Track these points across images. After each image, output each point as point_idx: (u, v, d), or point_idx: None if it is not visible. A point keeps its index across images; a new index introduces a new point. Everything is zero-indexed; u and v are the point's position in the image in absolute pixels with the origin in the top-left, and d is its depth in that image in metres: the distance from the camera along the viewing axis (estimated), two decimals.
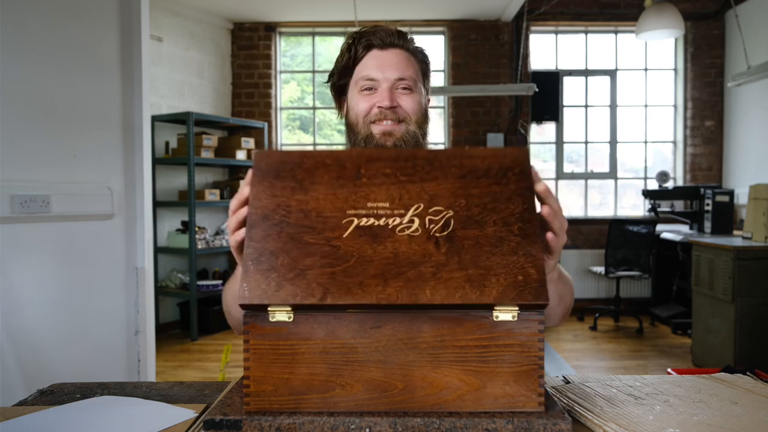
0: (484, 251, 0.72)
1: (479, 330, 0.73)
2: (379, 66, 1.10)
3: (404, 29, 1.17)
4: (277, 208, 0.75)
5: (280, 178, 0.76)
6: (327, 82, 1.20)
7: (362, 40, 1.12)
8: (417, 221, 0.74)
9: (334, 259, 0.72)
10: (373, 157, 0.77)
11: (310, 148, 5.85)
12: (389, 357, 0.73)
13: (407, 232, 0.73)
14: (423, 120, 1.14)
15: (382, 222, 0.73)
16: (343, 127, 6.75)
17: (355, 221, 0.74)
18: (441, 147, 5.74)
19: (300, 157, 0.77)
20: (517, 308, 0.72)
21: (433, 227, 0.73)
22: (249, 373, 0.74)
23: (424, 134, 1.15)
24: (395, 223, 0.74)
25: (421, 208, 0.74)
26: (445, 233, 0.73)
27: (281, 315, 0.73)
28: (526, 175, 0.76)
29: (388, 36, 1.11)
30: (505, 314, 0.73)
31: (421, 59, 1.16)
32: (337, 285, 0.71)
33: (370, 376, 0.73)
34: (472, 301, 0.71)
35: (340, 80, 1.16)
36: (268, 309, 0.73)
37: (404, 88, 1.11)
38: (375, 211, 0.74)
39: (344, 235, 0.73)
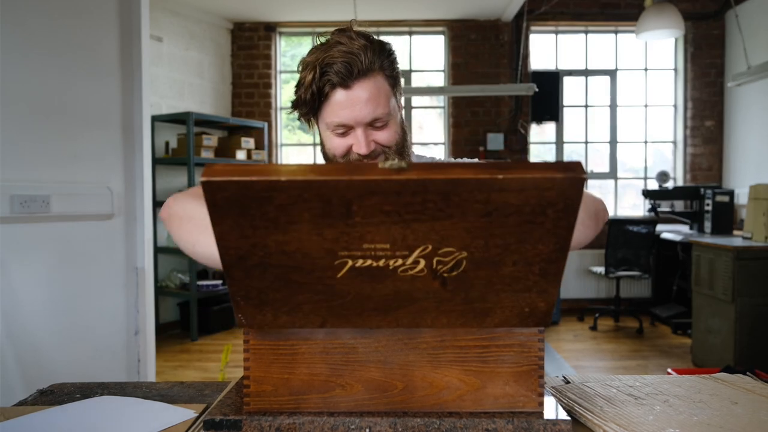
0: (494, 289, 0.66)
1: (479, 330, 0.73)
2: (348, 110, 1.01)
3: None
4: (253, 248, 0.62)
5: (247, 216, 0.60)
6: (292, 111, 1.10)
7: (323, 78, 1.00)
8: (423, 262, 0.63)
9: (330, 296, 0.66)
10: (368, 191, 0.58)
11: (310, 148, 5.85)
12: (389, 357, 0.73)
13: (411, 272, 0.64)
14: (402, 142, 1.09)
15: (381, 263, 0.63)
16: None
17: (350, 262, 0.63)
18: (441, 147, 5.76)
19: (267, 190, 0.58)
20: None
21: (442, 268, 0.64)
22: (249, 373, 0.74)
23: (406, 153, 1.10)
24: (397, 264, 0.63)
25: (428, 250, 0.62)
26: (455, 273, 0.64)
27: None
28: (570, 210, 0.59)
29: (349, 69, 0.99)
30: None
31: (389, 73, 1.05)
32: (335, 316, 0.69)
33: (370, 376, 0.73)
34: (472, 326, 0.71)
35: (307, 114, 1.07)
36: None
37: (379, 126, 1.05)
38: (372, 253, 0.62)
39: (338, 275, 0.64)
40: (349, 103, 1.01)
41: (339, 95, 1.01)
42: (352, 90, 1.01)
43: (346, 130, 1.04)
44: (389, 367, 0.73)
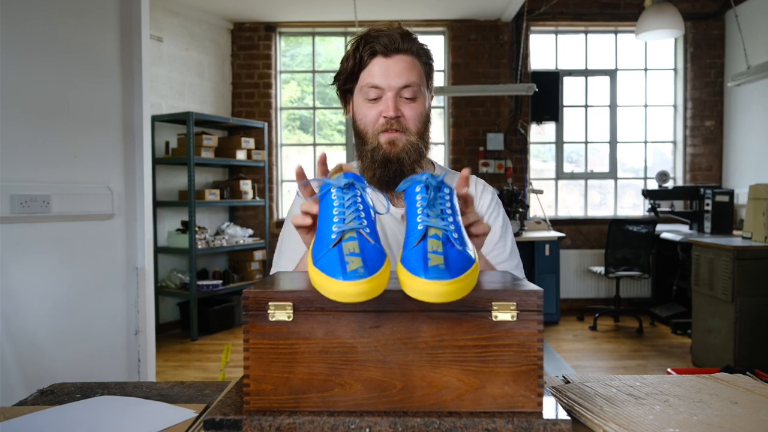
0: None
1: (478, 330, 0.73)
2: (383, 74, 1.12)
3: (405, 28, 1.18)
4: None
5: None
6: (333, 83, 1.23)
7: (367, 46, 1.13)
8: None
9: None
10: None
11: (310, 148, 5.85)
12: (388, 357, 0.73)
13: None
14: (424, 128, 1.19)
15: None
16: (343, 128, 6.65)
17: None
18: (441, 147, 5.75)
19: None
20: (516, 308, 0.72)
21: None
22: (249, 372, 0.74)
23: (426, 143, 1.20)
24: None
25: None
26: None
27: (281, 314, 0.73)
28: None
29: (392, 42, 1.12)
30: (504, 314, 0.73)
31: (425, 61, 1.17)
32: None
33: (370, 375, 0.73)
34: None
35: (345, 84, 1.19)
36: (268, 308, 0.73)
37: (408, 98, 1.14)
38: None
39: None
40: (386, 69, 1.13)
41: (378, 61, 1.13)
42: (390, 59, 1.13)
43: (378, 95, 1.14)
44: (388, 366, 0.73)
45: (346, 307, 0.73)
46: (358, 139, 1.19)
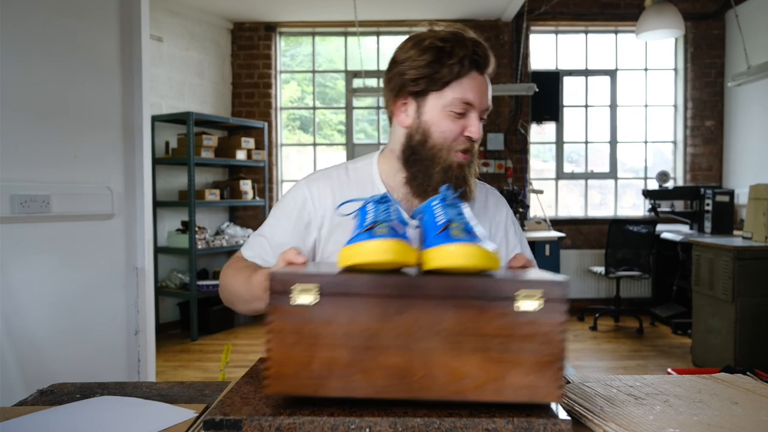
0: None
1: (502, 318, 0.72)
2: (478, 90, 1.06)
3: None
4: None
5: None
6: (398, 75, 1.08)
7: (471, 56, 1.04)
8: None
9: None
10: None
11: (310, 148, 5.85)
12: (411, 343, 0.72)
13: None
14: None
15: None
16: (343, 128, 6.58)
17: None
18: None
19: None
20: (541, 297, 0.72)
21: None
22: (270, 355, 0.73)
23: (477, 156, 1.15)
24: None
25: None
26: None
27: (305, 297, 0.72)
28: None
29: (488, 57, 1.07)
30: (529, 303, 0.72)
31: None
32: None
33: (391, 362, 0.72)
34: None
35: (428, 86, 1.06)
36: (293, 290, 0.72)
37: (483, 118, 1.10)
38: None
39: None
40: (480, 86, 1.07)
41: (475, 76, 1.07)
42: (483, 76, 1.08)
43: (464, 111, 1.07)
44: (410, 353, 0.72)
45: (371, 291, 0.72)
46: (421, 147, 1.08)
